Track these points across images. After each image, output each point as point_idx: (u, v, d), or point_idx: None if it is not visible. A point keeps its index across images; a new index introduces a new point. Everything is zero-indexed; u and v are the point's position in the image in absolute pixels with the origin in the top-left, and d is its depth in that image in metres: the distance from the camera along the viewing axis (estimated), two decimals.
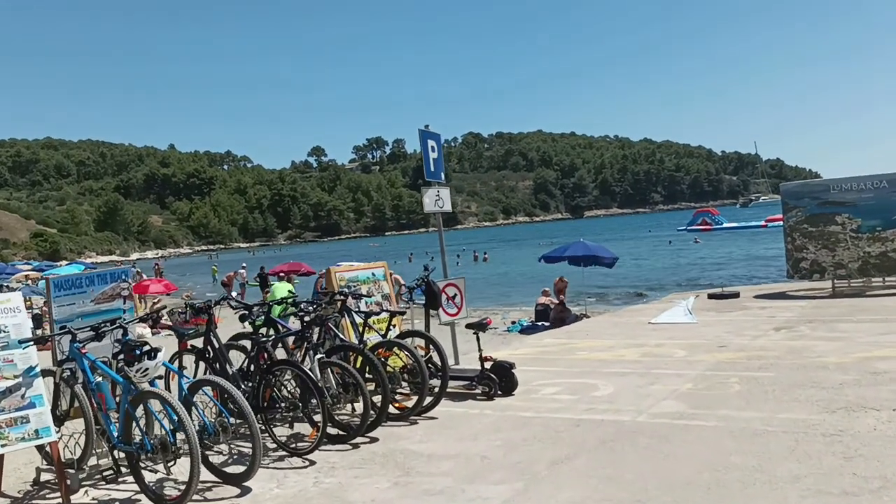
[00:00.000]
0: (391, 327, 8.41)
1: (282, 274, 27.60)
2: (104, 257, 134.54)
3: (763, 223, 72.11)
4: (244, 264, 37.02)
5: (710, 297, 17.68)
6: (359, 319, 8.40)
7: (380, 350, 7.94)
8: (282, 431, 7.25)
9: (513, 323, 21.26)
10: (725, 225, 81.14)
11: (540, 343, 13.00)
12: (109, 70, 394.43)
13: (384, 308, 9.65)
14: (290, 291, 13.84)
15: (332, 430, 7.19)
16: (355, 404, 7.67)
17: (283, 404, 6.91)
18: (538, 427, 7.34)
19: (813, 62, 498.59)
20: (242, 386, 7.05)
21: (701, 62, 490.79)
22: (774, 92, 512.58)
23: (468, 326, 8.94)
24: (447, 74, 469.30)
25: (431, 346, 8.32)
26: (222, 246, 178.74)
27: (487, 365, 8.88)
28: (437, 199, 10.82)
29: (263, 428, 6.96)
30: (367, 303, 9.56)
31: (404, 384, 8.08)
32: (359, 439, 7.19)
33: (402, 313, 8.60)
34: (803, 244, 16.86)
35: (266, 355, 7.30)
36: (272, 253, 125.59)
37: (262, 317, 8.09)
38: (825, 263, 16.63)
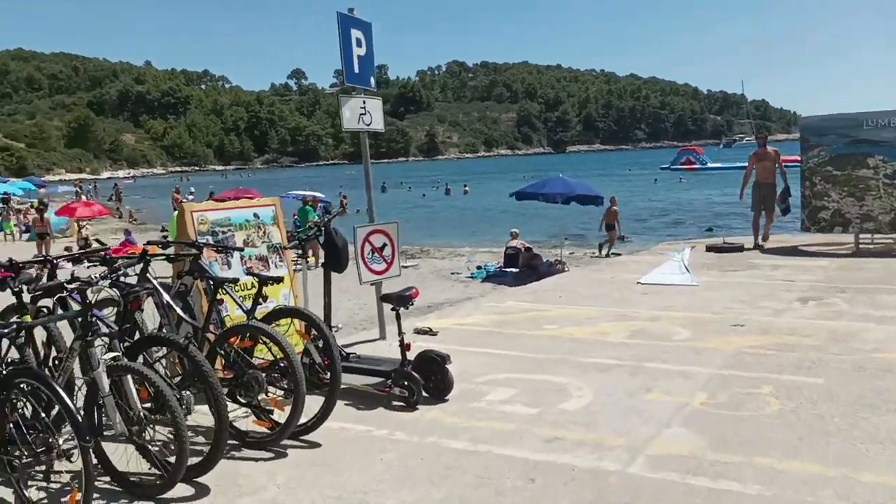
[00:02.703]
0: (260, 301, 5.48)
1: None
2: (73, 175, 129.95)
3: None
4: (192, 189, 33.87)
5: (709, 249, 14.86)
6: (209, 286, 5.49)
7: (232, 338, 5.08)
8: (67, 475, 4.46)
9: (478, 268, 18.64)
10: (710, 165, 78.48)
11: (499, 309, 10.11)
12: None
13: (271, 266, 6.76)
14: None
15: (141, 471, 4.46)
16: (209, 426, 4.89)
17: (32, 439, 4.08)
18: (470, 475, 4.57)
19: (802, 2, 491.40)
20: None
21: None
22: (764, 31, 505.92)
23: (383, 299, 6.08)
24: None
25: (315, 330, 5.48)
26: (197, 168, 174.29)
27: (411, 354, 6.08)
28: (361, 112, 7.87)
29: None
30: (245, 257, 6.63)
31: (275, 389, 5.27)
32: (179, 488, 4.41)
33: (280, 279, 5.68)
34: (824, 190, 14.02)
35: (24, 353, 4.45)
36: (247, 177, 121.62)
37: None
38: (850, 215, 13.81)
